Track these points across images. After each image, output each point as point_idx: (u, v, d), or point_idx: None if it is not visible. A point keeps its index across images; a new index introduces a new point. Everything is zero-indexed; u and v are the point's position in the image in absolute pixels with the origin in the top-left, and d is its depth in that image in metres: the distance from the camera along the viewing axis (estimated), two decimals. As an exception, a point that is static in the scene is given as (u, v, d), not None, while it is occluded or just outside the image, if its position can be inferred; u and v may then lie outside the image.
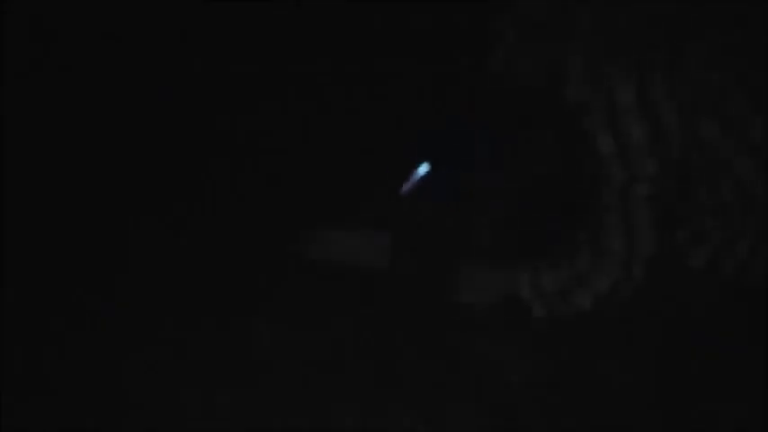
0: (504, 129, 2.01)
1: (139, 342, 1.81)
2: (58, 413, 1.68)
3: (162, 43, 2.69)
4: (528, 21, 1.53)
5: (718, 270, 1.64)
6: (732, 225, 1.57)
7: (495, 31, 1.57)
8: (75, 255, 2.04)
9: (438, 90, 1.61)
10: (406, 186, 2.00)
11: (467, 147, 2.10)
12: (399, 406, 1.67)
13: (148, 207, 2.17)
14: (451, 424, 1.63)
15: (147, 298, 1.92)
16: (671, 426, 1.60)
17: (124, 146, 2.37)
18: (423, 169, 1.99)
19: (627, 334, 1.71)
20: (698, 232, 1.62)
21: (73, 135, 2.40)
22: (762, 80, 1.48)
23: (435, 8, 2.13)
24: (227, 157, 2.33)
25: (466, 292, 1.79)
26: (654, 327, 1.73)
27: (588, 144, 1.50)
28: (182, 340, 1.81)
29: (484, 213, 2.02)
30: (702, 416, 1.60)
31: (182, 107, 2.50)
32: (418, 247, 2.00)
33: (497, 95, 1.66)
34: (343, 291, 1.92)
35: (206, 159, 2.32)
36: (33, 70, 2.52)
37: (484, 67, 1.59)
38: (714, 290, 1.73)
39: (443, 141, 2.13)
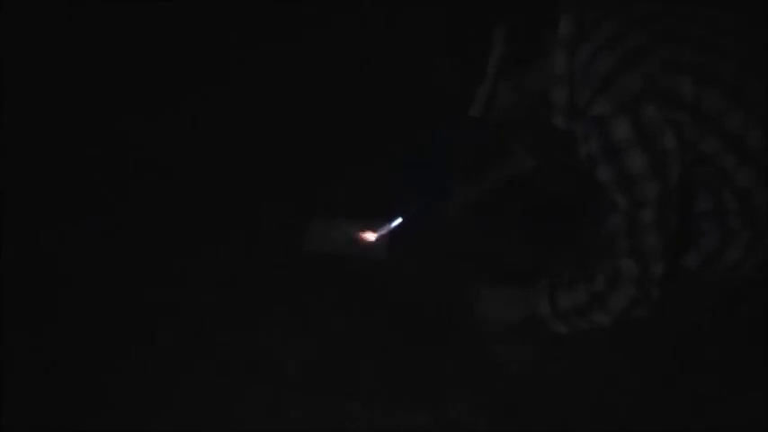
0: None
1: (148, 343, 1.82)
2: (74, 409, 1.69)
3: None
4: (510, 54, 1.50)
5: (712, 271, 1.65)
6: (731, 229, 1.58)
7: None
8: (86, 257, 2.04)
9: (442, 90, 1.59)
10: (379, 234, 2.00)
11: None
12: (407, 404, 1.67)
13: (154, 209, 2.16)
14: (457, 422, 1.64)
15: (155, 298, 1.92)
16: (673, 424, 1.61)
17: (116, 150, 2.36)
18: (395, 222, 2.00)
19: (631, 334, 1.72)
20: (695, 234, 1.62)
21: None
22: (757, 94, 1.48)
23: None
24: (229, 155, 2.33)
25: (479, 308, 1.77)
26: (658, 327, 1.73)
27: (588, 169, 1.48)
28: (191, 341, 1.82)
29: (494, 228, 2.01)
30: (704, 415, 1.61)
31: (177, 100, 2.50)
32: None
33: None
34: (349, 289, 1.91)
35: (208, 158, 2.32)
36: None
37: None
38: (713, 290, 1.73)
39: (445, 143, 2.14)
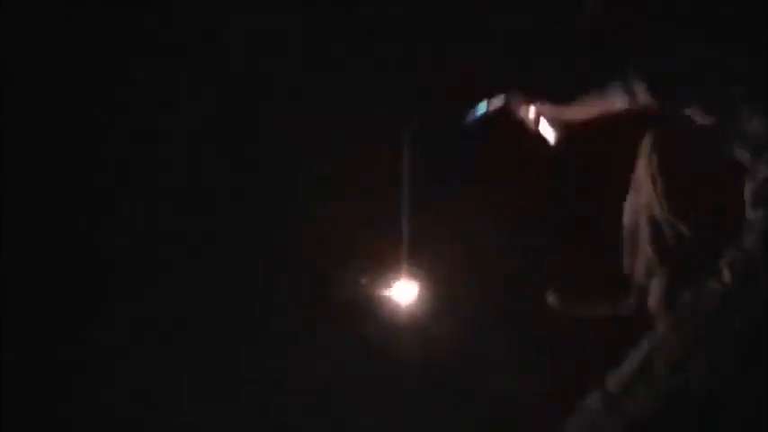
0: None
1: (148, 343, 1.82)
2: (74, 409, 1.69)
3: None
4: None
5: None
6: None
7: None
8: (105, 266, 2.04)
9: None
10: (469, 119, 1.97)
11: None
12: (405, 411, 1.68)
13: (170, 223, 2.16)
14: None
15: (155, 298, 1.92)
16: (675, 424, 1.61)
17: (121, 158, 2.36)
18: (482, 107, 1.96)
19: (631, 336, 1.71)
20: None
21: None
22: None
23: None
24: (229, 156, 2.33)
25: None
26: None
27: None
28: (191, 341, 1.82)
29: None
30: (705, 414, 1.61)
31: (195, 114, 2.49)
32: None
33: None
34: (350, 297, 1.91)
35: (208, 158, 2.31)
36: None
37: None
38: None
39: None
